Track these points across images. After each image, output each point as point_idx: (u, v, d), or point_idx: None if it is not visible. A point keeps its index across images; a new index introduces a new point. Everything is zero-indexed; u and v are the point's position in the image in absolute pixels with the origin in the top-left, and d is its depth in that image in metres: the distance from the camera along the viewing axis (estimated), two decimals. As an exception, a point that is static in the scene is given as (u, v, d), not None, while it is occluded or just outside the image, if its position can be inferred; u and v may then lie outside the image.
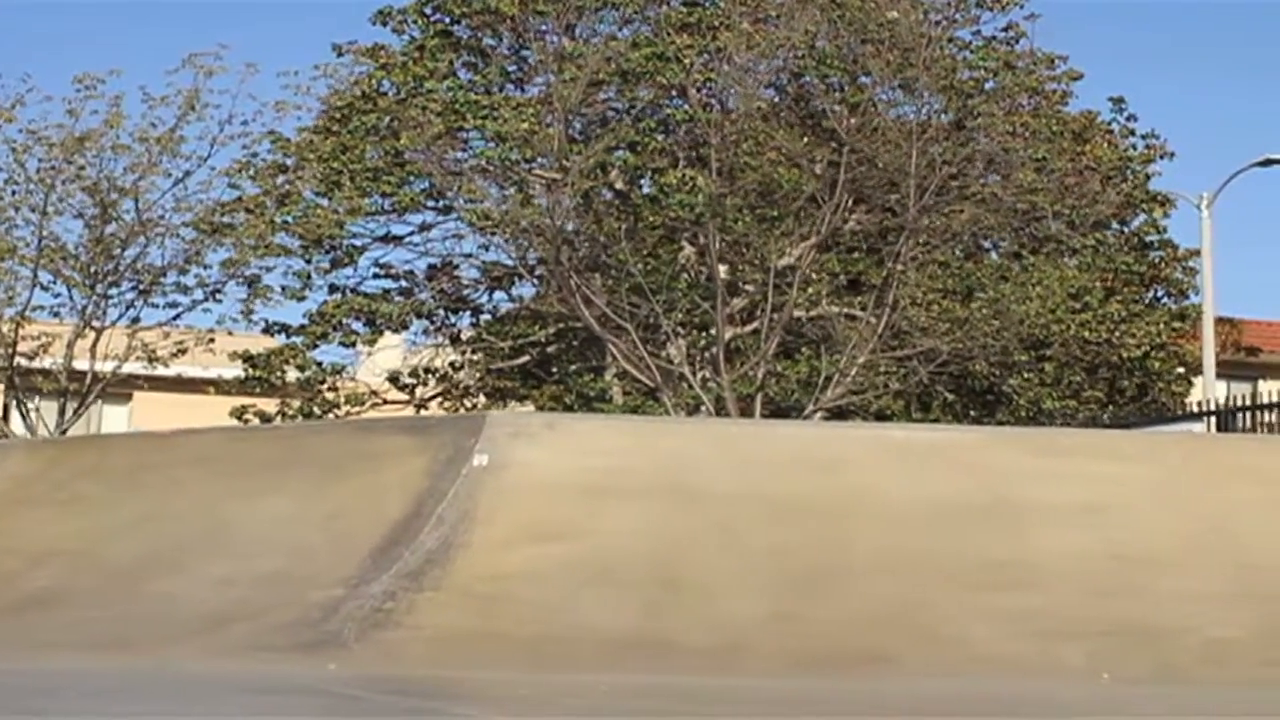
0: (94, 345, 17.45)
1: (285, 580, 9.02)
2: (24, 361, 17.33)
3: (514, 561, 8.69)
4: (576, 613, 8.48)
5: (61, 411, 17.48)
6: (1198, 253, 27.61)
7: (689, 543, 8.92)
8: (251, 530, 9.64)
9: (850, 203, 21.08)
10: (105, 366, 17.54)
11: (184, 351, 18.16)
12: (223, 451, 10.56)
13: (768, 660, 8.18)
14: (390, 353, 23.99)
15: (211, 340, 18.50)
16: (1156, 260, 26.40)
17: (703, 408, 21.53)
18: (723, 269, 22.91)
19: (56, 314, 18.12)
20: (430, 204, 23.69)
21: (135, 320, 17.98)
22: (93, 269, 17.49)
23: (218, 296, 18.46)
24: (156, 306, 18.18)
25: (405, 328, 24.31)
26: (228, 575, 9.44)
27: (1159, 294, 27.04)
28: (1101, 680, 8.12)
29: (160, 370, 18.36)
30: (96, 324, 17.63)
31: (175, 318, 18.19)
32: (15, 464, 11.63)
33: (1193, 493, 9.37)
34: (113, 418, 29.22)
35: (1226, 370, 29.20)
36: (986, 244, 24.68)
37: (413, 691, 6.75)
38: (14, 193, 16.92)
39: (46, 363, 17.43)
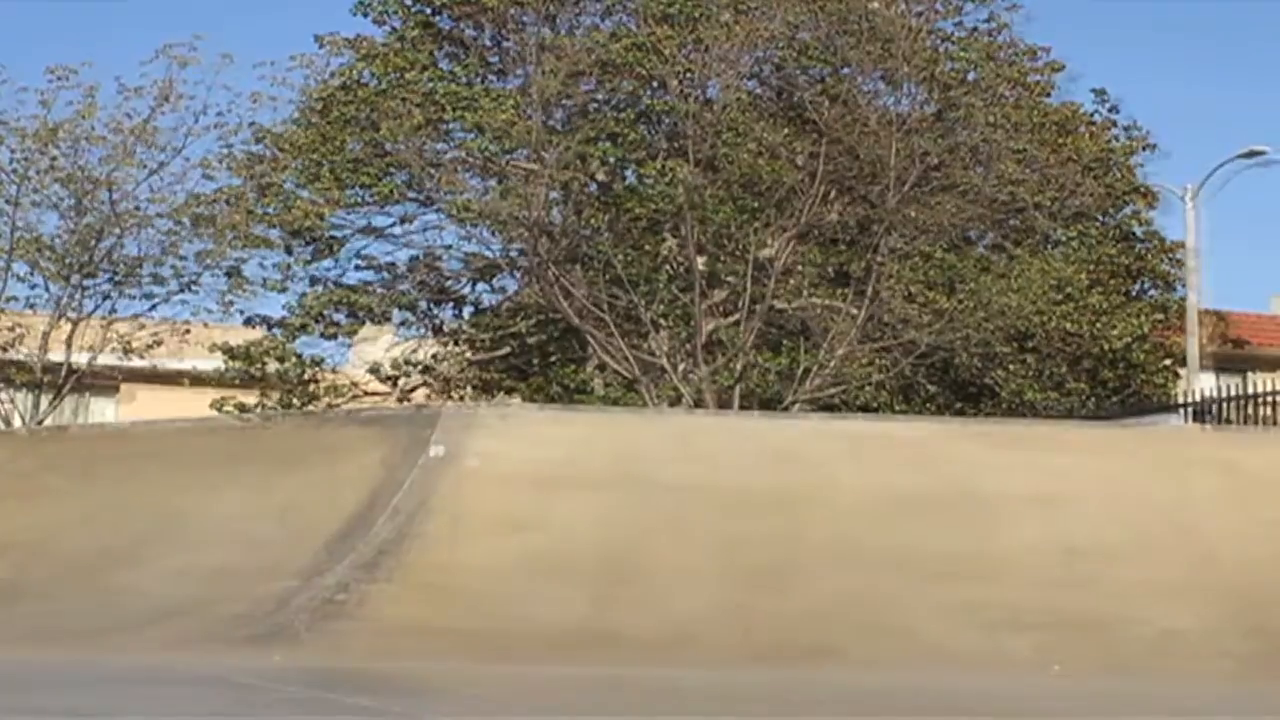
0: (69, 337, 17.45)
1: (238, 572, 9.03)
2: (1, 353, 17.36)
3: (468, 553, 8.70)
4: (528, 604, 8.49)
5: (36, 404, 17.50)
6: (1184, 245, 27.60)
7: (642, 535, 8.93)
8: (207, 523, 9.65)
9: (832, 194, 21.00)
10: (81, 359, 17.54)
11: (159, 343, 18.17)
12: (180, 444, 10.56)
13: (715, 652, 8.19)
14: (378, 345, 23.92)
15: (187, 332, 18.51)
16: (1143, 252, 26.33)
17: (683, 400, 21.49)
18: (703, 260, 22.85)
19: (31, 305, 18.16)
20: (411, 195, 23.60)
21: (111, 312, 18.01)
22: (68, 260, 17.47)
23: (194, 288, 18.48)
24: (133, 298, 18.24)
25: (386, 320, 24.22)
26: (183, 567, 9.45)
27: (1145, 286, 26.98)
28: (1052, 672, 8.11)
29: (137, 362, 18.35)
30: (73, 315, 17.62)
31: (151, 309, 18.21)
32: (-22, 456, 11.66)
33: (1148, 485, 9.38)
34: (100, 410, 29.18)
35: (1217, 363, 29.14)
36: (969, 236, 24.61)
37: (348, 685, 6.74)
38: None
39: (21, 354, 17.44)
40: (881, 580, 8.66)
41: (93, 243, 16.98)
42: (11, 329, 17.14)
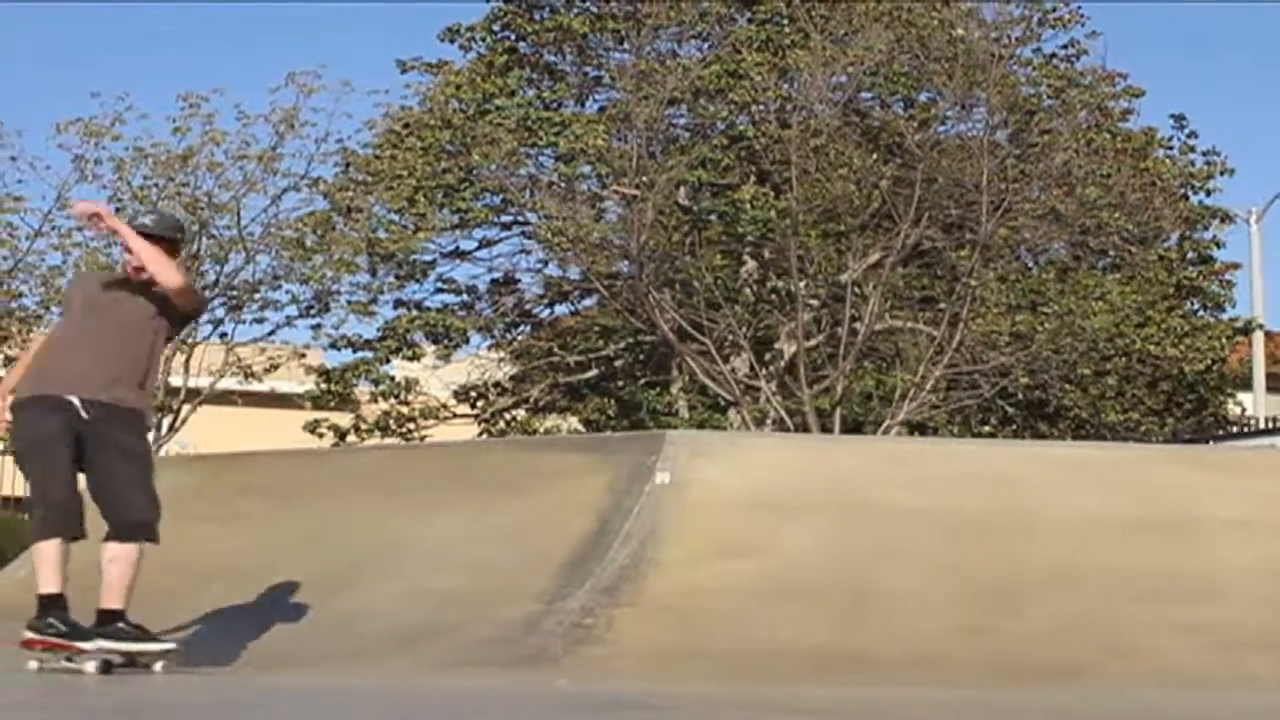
0: (187, 360, 17.65)
1: (471, 596, 9.19)
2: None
3: (704, 577, 8.88)
4: (767, 627, 8.68)
5: (158, 427, 17.71)
6: (1236, 266, 27.92)
7: (867, 558, 9.12)
8: (425, 547, 9.81)
9: (924, 220, 21.30)
10: (200, 382, 17.73)
11: (276, 367, 18.41)
12: (385, 469, 10.75)
13: (960, 673, 8.38)
14: (455, 367, 24.16)
15: (303, 355, 18.74)
16: (1194, 274, 26.64)
17: (768, 422, 21.71)
18: (783, 282, 23.12)
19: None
20: (493, 219, 23.92)
21: (224, 336, 18.22)
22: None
23: (311, 312, 18.70)
24: (244, 322, 18.45)
25: (466, 342, 24.50)
26: (408, 591, 9.61)
27: (1195, 307, 27.29)
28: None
29: (255, 385, 18.52)
30: (189, 339, 17.85)
31: (271, 334, 18.44)
32: (167, 481, 11.77)
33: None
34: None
35: (1269, 384, 29.47)
36: (1042, 258, 24.89)
37: (656, 706, 6.94)
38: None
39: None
40: (1109, 602, 8.86)
41: (219, 267, 17.20)
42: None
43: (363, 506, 10.41)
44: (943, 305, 21.72)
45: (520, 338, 23.80)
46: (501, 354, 23.81)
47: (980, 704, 7.61)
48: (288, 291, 18.51)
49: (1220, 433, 21.37)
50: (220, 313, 18.10)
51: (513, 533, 9.55)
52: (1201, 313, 27.02)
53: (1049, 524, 9.23)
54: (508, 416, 23.99)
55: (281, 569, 10.25)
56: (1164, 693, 8.03)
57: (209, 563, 10.49)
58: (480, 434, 24.07)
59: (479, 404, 23.90)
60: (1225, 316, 26.88)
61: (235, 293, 18.06)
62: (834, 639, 8.62)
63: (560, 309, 24.76)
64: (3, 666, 8.16)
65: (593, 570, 8.92)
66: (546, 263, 23.86)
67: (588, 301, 23.76)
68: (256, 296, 18.22)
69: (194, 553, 10.75)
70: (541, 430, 25.03)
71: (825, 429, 19.52)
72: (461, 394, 23.69)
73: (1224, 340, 23.55)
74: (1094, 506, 9.34)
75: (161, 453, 17.93)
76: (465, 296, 24.35)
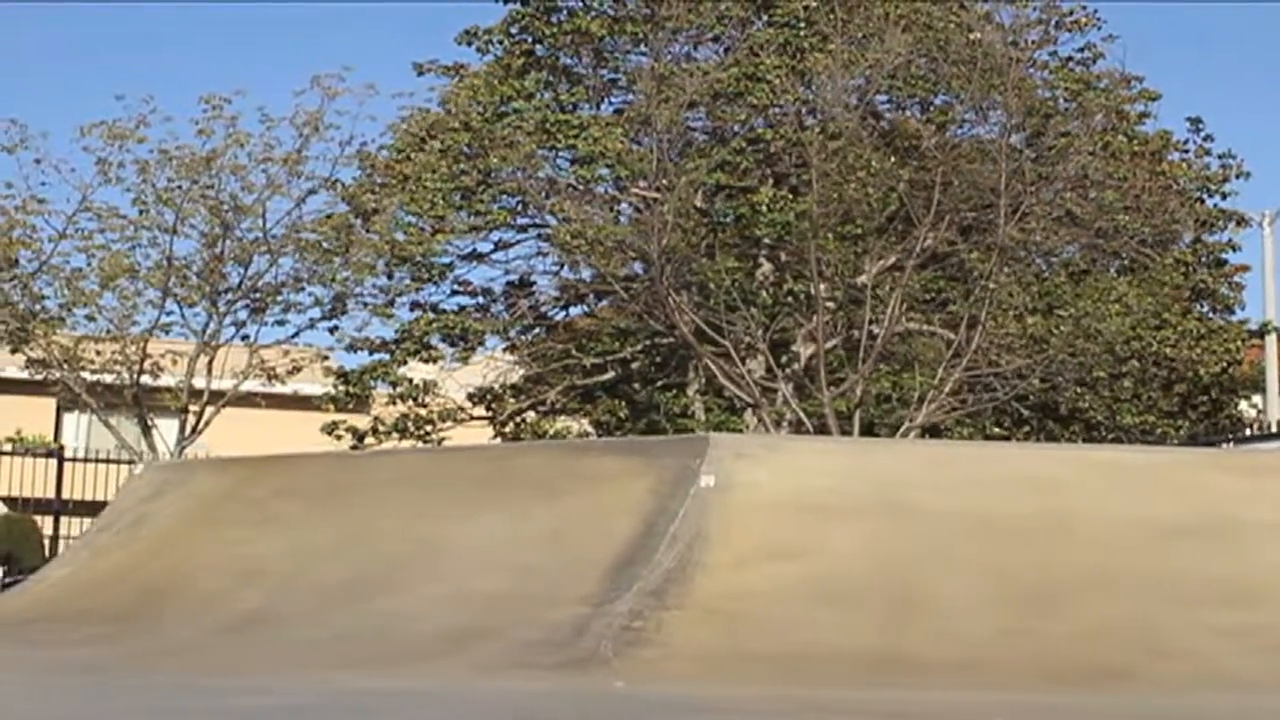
0: (210, 362, 17.71)
1: (515, 599, 9.24)
2: (149, 380, 17.58)
3: (751, 580, 8.93)
4: (815, 629, 8.73)
5: (181, 428, 17.75)
6: (1246, 268, 27.98)
7: (912, 561, 9.17)
8: (465, 550, 9.85)
9: (943, 223, 21.34)
10: (223, 384, 17.81)
11: (299, 369, 18.49)
12: (424, 472, 10.79)
13: (1008, 675, 8.43)
14: (469, 369, 24.19)
15: (326, 358, 18.82)
16: (1207, 277, 26.69)
17: (784, 425, 21.75)
18: (797, 283, 23.15)
19: (166, 331, 18.39)
20: (510, 222, 23.95)
21: (246, 338, 18.33)
22: (206, 287, 17.74)
23: (335, 314, 18.75)
24: (266, 324, 18.54)
25: (481, 344, 24.54)
26: (450, 594, 9.66)
27: (1205, 309, 27.34)
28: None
29: (279, 388, 18.60)
30: (212, 340, 17.91)
31: (294, 336, 18.52)
32: (201, 484, 11.85)
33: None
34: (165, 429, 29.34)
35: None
36: (1055, 261, 24.93)
37: (717, 709, 6.99)
38: (141, 212, 17.20)
39: (168, 380, 17.68)
40: (1152, 605, 8.91)
41: (243, 269, 17.27)
42: (163, 355, 17.41)
43: (401, 509, 10.46)
44: (953, 308, 21.77)
45: (536, 340, 23.83)
46: (517, 356, 23.85)
47: (1031, 707, 7.67)
48: (310, 294, 18.62)
49: (1237, 435, 21.43)
50: (243, 315, 18.22)
51: (554, 536, 9.60)
52: (1211, 315, 27.09)
53: (1089, 527, 9.29)
54: (519, 419, 24.01)
55: (321, 571, 10.30)
56: (1208, 696, 8.07)
57: (245, 565, 10.54)
58: (494, 437, 24.11)
59: (493, 406, 23.92)
60: (1235, 319, 26.96)
61: (259, 295, 18.13)
62: (881, 641, 8.67)
63: (575, 311, 24.79)
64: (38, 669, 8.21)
65: (639, 573, 8.96)
66: (562, 266, 23.91)
67: (603, 304, 23.80)
68: (279, 299, 18.30)
69: (230, 555, 10.82)
70: (551, 432, 25.08)
71: (845, 432, 19.56)
72: (477, 397, 23.72)
73: (1239, 343, 23.62)
74: (1132, 510, 9.40)
75: (183, 455, 17.98)
76: (480, 299, 24.39)
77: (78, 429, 31.90)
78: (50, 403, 32.68)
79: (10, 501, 23.67)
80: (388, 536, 10.32)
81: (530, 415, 25.07)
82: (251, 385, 18.47)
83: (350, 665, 8.81)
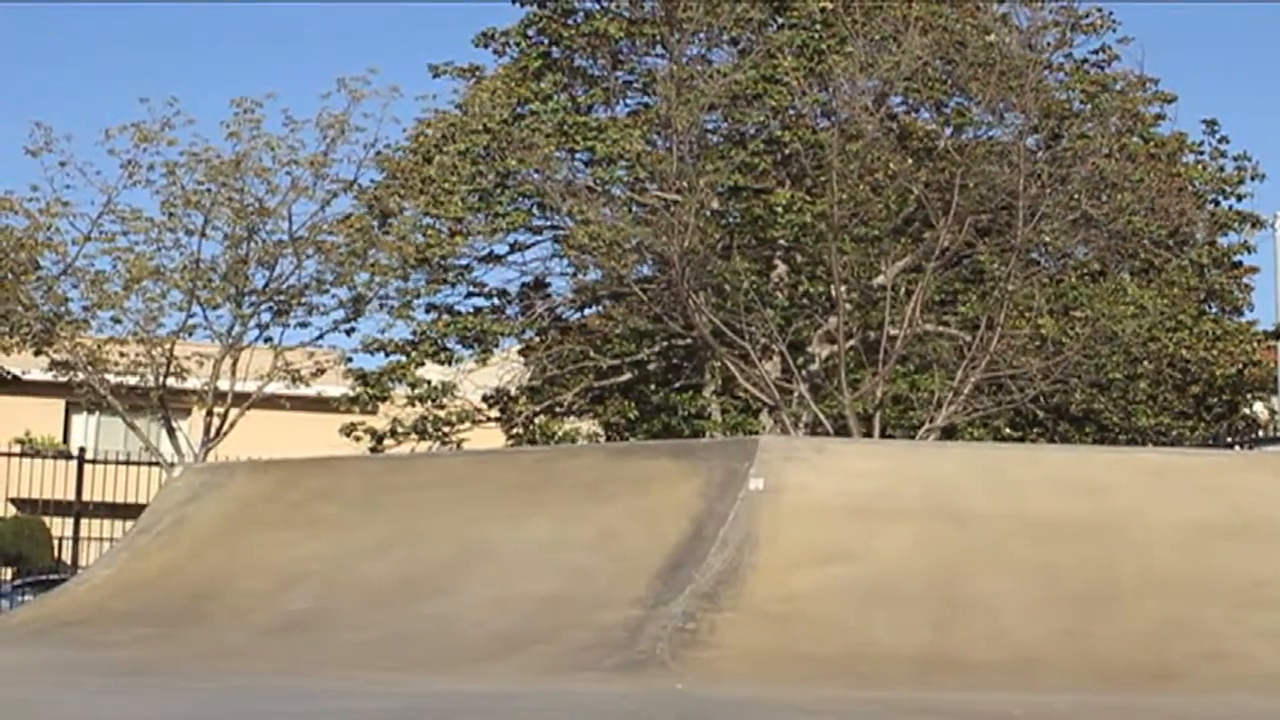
0: (234, 365, 17.75)
1: (567, 601, 9.28)
2: (174, 382, 17.63)
3: (801, 582, 8.99)
4: (867, 631, 8.78)
5: (206, 430, 17.78)
6: (1255, 270, 28.06)
7: (962, 563, 9.23)
8: (515, 552, 9.89)
9: (964, 226, 21.41)
10: (246, 386, 17.85)
11: (323, 371, 18.55)
12: (468, 474, 10.82)
13: (1061, 677, 8.49)
14: (484, 371, 24.24)
15: (349, 360, 18.87)
16: (1220, 278, 26.76)
17: (801, 426, 21.80)
18: (821, 287, 23.21)
19: (190, 333, 18.45)
20: (526, 224, 24.01)
21: (269, 340, 18.34)
22: (231, 289, 17.78)
23: (354, 316, 18.79)
24: (289, 326, 18.56)
25: (496, 346, 24.59)
26: (500, 596, 9.69)
27: (1212, 309, 27.43)
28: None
29: (303, 390, 18.65)
30: (236, 343, 17.95)
31: (319, 338, 18.56)
32: (240, 486, 11.88)
33: None
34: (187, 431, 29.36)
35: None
36: (1070, 262, 25.01)
37: (778, 711, 7.03)
38: (169, 215, 17.24)
39: (193, 383, 17.72)
40: (1201, 607, 8.96)
41: (253, 271, 17.30)
42: (190, 357, 17.45)
43: (446, 511, 10.50)
44: (964, 309, 21.84)
45: (551, 342, 23.87)
46: (531, 359, 23.90)
47: (1086, 708, 7.72)
48: (334, 296, 18.65)
49: (1255, 437, 21.50)
50: (266, 317, 18.26)
51: (603, 538, 9.64)
52: (1221, 316, 27.17)
53: (1136, 529, 9.35)
54: (529, 421, 24.05)
55: (367, 573, 10.33)
56: (1261, 699, 8.13)
57: (290, 567, 10.57)
58: (507, 440, 24.14)
59: (506, 408, 23.97)
60: (1244, 319, 27.04)
61: (283, 297, 18.17)
62: (933, 643, 8.72)
63: (590, 313, 24.84)
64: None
65: (691, 575, 9.01)
66: (577, 269, 23.96)
67: (618, 305, 23.85)
68: (302, 301, 18.35)
69: (273, 557, 10.85)
70: (560, 434, 25.10)
71: (865, 434, 19.62)
72: (493, 398, 23.77)
73: (1255, 344, 23.71)
74: (1179, 512, 9.45)
75: (209, 458, 18.01)
76: (495, 300, 24.45)
77: (86, 430, 31.95)
78: (59, 404, 32.75)
79: (29, 503, 23.69)
80: (434, 539, 10.35)
81: (540, 417, 25.11)
82: (275, 387, 18.53)
83: (407, 668, 8.84)
